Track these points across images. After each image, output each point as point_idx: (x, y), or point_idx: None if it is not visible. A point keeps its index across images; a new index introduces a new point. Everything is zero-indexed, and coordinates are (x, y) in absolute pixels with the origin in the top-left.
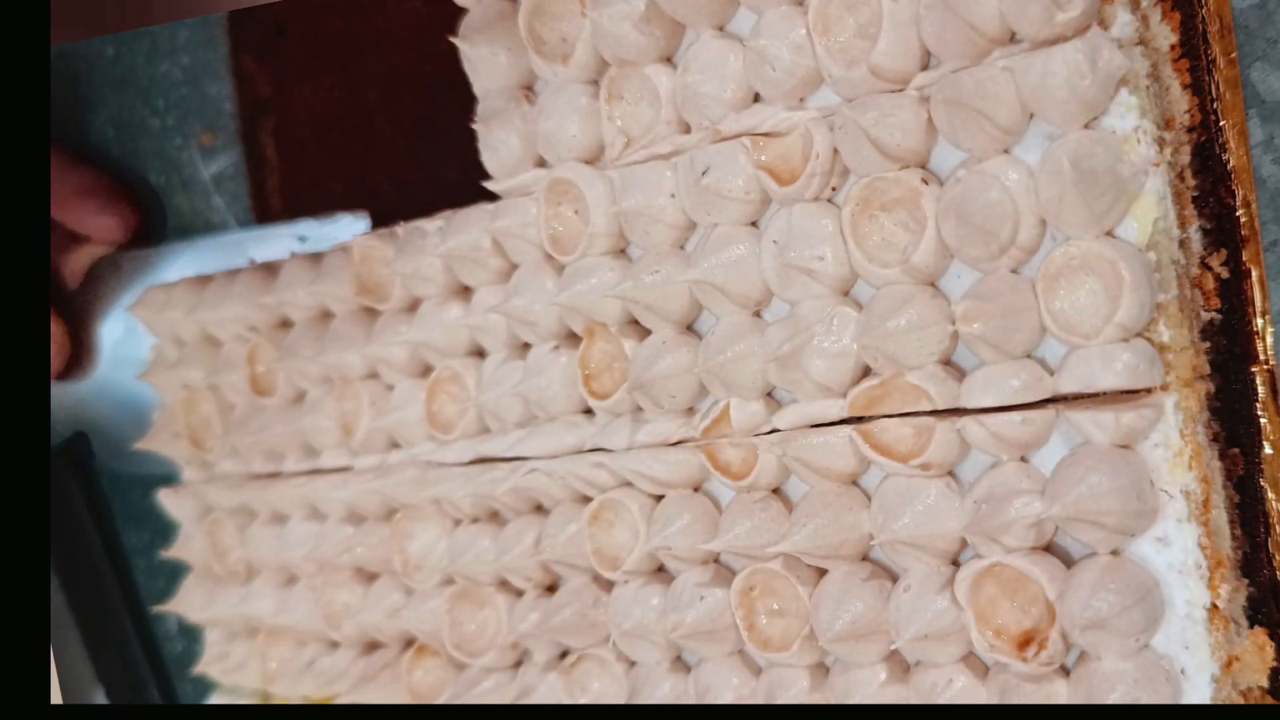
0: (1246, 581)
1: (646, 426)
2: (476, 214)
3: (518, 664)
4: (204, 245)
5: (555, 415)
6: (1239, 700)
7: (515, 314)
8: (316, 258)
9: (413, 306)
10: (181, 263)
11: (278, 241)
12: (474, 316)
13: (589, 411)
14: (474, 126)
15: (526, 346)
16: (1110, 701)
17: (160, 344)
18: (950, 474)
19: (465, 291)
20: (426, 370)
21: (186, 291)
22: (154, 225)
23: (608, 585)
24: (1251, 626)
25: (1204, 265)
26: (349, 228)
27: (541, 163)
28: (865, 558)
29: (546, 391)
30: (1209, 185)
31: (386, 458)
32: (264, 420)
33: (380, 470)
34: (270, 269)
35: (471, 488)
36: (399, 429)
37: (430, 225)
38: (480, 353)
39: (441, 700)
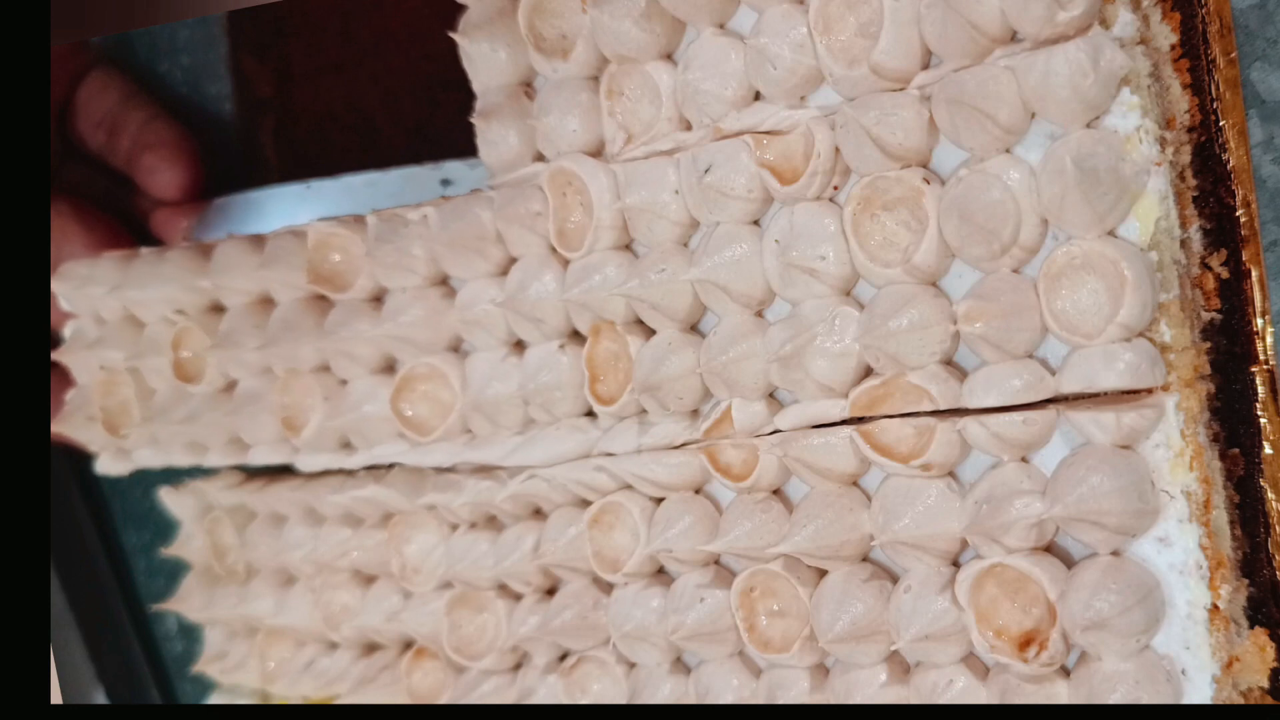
0: (1247, 582)
1: (652, 430)
2: (477, 201)
3: (517, 666)
4: (327, 187)
5: (559, 417)
6: (1239, 700)
7: (524, 308)
8: (257, 240)
9: (376, 297)
10: (300, 206)
11: (419, 184)
12: (471, 310)
13: (589, 413)
14: (473, 121)
15: (518, 344)
16: (1111, 702)
17: (79, 321)
18: (951, 474)
19: (443, 284)
20: (388, 365)
21: (111, 267)
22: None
23: (608, 588)
24: (1252, 627)
25: (1204, 265)
26: None
27: (540, 159)
28: (866, 558)
29: (554, 393)
30: (1209, 185)
31: (347, 455)
32: (190, 409)
33: (376, 475)
34: (202, 249)
35: (470, 495)
36: (360, 427)
37: (413, 214)
38: (457, 349)
39: (441, 703)
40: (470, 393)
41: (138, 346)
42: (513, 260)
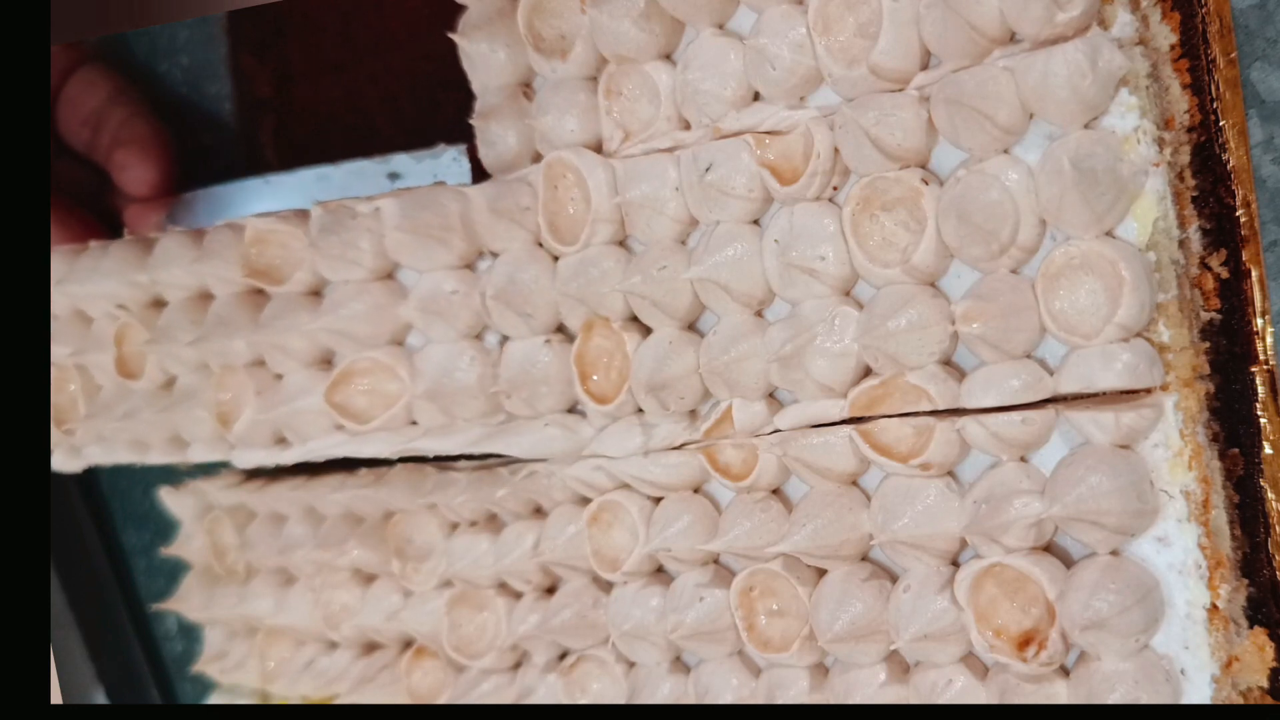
0: (1246, 581)
1: (654, 431)
2: (442, 192)
3: (517, 665)
4: (283, 181)
5: (541, 412)
6: (1239, 700)
7: (514, 301)
8: (197, 235)
9: (315, 290)
10: (258, 201)
11: (368, 178)
12: (433, 301)
13: (572, 409)
14: (472, 123)
15: (478, 338)
16: (1110, 701)
17: None
18: (950, 474)
19: (388, 278)
20: (325, 360)
21: (58, 262)
22: (190, 166)
23: (607, 586)
24: (1251, 626)
25: (1204, 265)
26: (450, 165)
27: (539, 159)
28: (865, 558)
29: (540, 388)
30: (1209, 185)
31: (281, 450)
32: (130, 406)
33: (378, 473)
34: (145, 244)
35: (470, 492)
36: (292, 421)
37: (363, 206)
38: (401, 343)
39: (441, 702)
40: (423, 384)
41: (84, 342)
42: (477, 253)
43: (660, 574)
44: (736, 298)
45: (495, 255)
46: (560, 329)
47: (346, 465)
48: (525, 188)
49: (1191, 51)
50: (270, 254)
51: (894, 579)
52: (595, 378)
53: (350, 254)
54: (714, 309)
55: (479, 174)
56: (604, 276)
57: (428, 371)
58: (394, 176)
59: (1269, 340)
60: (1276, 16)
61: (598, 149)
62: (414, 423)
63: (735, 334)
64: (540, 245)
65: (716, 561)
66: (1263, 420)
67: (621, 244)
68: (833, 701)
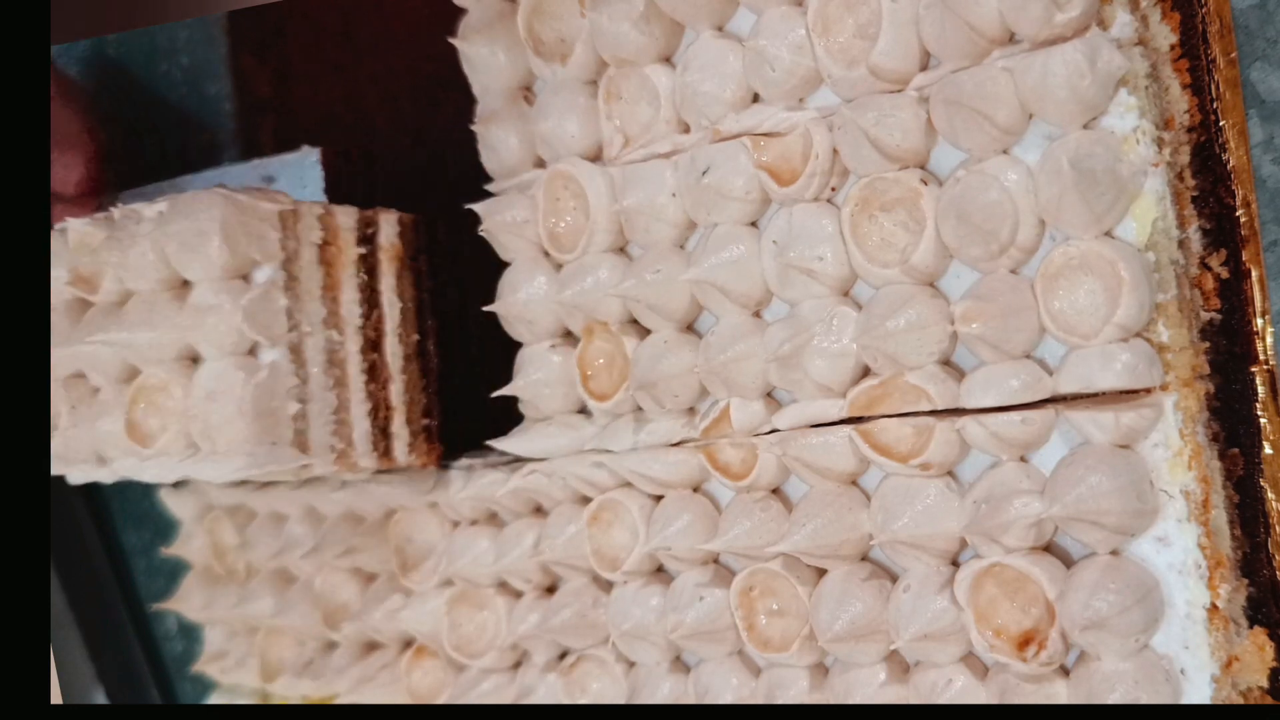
0: (1246, 581)
1: (649, 427)
2: (206, 197)
3: (517, 665)
4: (195, 184)
5: (547, 414)
6: (1239, 700)
7: (513, 311)
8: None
9: (125, 300)
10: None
11: (247, 181)
12: (205, 315)
13: (580, 412)
14: (473, 128)
15: (251, 354)
16: (1110, 701)
17: None
18: (950, 474)
19: (184, 287)
20: (133, 374)
21: None
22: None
23: (607, 586)
24: (1251, 626)
25: (1204, 265)
26: (311, 169)
27: (540, 163)
28: (865, 558)
29: (544, 389)
30: (1209, 185)
31: (100, 468)
32: None
33: (377, 472)
34: None
35: (471, 490)
36: (98, 440)
37: (149, 209)
38: (196, 359)
39: (441, 701)
40: (197, 405)
41: None
42: (252, 263)
43: (660, 573)
44: (734, 299)
45: (273, 265)
46: (567, 334)
47: None
48: (520, 199)
49: (1191, 51)
50: (86, 260)
51: (894, 579)
52: (595, 376)
53: (136, 262)
54: (712, 310)
55: (332, 179)
56: (598, 284)
57: (202, 392)
58: (269, 180)
59: (1269, 340)
60: (1276, 16)
61: (599, 153)
62: (194, 446)
63: (734, 334)
64: (548, 255)
65: (716, 561)
66: (1263, 420)
67: (622, 250)
68: (833, 701)
